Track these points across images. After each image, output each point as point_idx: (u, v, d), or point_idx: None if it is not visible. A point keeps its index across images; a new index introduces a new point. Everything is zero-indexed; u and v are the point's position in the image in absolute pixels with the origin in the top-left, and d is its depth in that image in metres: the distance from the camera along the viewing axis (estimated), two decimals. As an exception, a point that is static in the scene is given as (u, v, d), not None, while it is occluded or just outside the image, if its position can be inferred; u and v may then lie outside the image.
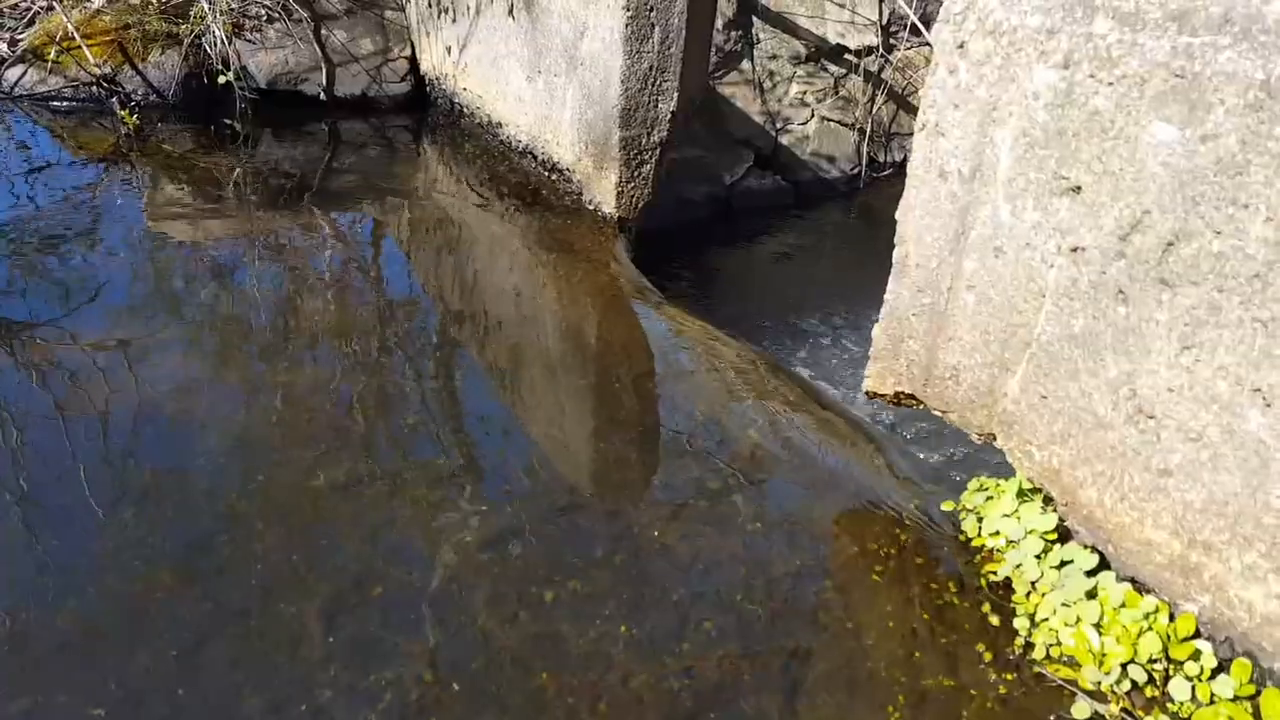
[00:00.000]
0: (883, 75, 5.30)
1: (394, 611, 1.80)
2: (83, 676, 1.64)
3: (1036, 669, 1.77)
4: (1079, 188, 1.72)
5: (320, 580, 1.86)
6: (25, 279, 2.90)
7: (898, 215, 2.13)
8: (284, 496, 2.09)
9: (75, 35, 4.30)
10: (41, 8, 4.55)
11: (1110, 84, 1.62)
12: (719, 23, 4.80)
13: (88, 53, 4.31)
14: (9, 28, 4.53)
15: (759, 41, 5.08)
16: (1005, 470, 2.10)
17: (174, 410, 2.33)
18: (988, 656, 1.80)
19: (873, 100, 5.32)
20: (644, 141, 3.37)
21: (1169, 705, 1.67)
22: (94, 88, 4.36)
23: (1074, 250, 1.76)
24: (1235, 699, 1.64)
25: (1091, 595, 1.83)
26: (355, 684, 1.65)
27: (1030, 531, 1.98)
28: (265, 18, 4.61)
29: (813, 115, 5.23)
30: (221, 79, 4.36)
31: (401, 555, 1.94)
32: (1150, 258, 1.63)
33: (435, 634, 1.76)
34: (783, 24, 5.11)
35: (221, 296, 2.92)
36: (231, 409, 2.35)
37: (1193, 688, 1.67)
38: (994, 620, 1.88)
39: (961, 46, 1.87)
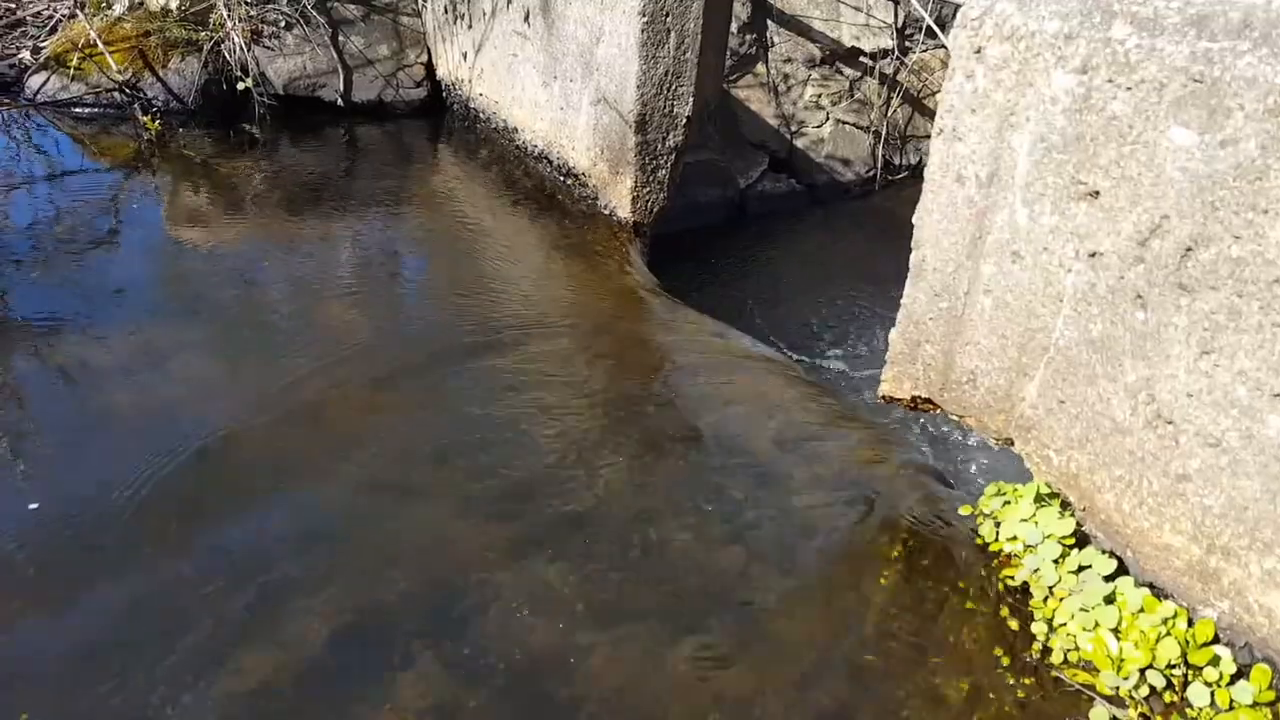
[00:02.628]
0: (898, 78, 5.29)
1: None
2: (97, 686, 1.66)
3: (1054, 674, 1.77)
4: (1097, 192, 1.72)
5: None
6: (48, 283, 2.94)
7: (915, 219, 2.13)
8: (304, 498, 2.11)
9: (98, 42, 4.35)
10: (64, 15, 4.61)
11: (1128, 89, 1.62)
12: (733, 26, 4.81)
13: (110, 59, 4.36)
14: (32, 35, 4.60)
15: (773, 45, 5.09)
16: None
17: (193, 413, 2.36)
18: (1005, 661, 1.80)
19: (888, 103, 5.32)
20: (659, 146, 3.38)
21: (1188, 711, 1.67)
22: (116, 94, 4.41)
23: (1092, 255, 1.76)
24: (1255, 705, 1.63)
25: (1110, 600, 1.83)
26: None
27: (1048, 536, 1.97)
28: (283, 24, 4.65)
29: (827, 118, 5.23)
30: (240, 85, 4.40)
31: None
32: (1169, 263, 1.63)
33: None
34: (797, 27, 5.11)
35: (241, 300, 2.95)
36: (251, 412, 2.38)
37: (1212, 693, 1.67)
38: (1012, 625, 1.88)
39: (979, 52, 1.87)
